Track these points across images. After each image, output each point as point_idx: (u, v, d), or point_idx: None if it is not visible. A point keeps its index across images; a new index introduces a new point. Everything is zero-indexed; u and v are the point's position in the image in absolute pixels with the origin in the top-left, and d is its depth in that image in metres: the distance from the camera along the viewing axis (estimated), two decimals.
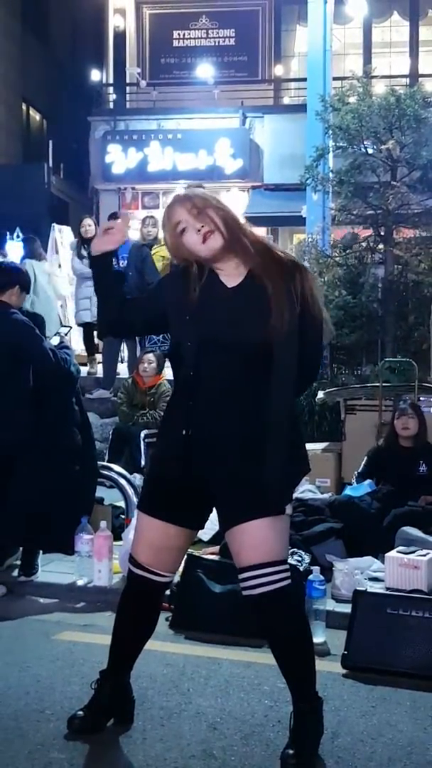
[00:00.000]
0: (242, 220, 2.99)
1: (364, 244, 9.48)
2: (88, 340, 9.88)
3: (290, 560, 3.87)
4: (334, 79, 11.79)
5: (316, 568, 4.19)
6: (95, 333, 9.49)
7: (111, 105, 18.06)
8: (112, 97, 18.20)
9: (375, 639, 3.80)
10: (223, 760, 2.96)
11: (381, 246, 9.32)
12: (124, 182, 16.78)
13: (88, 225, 9.68)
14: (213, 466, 2.87)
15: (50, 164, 17.48)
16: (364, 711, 3.39)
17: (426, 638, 3.75)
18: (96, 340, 9.76)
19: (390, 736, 3.17)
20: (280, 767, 2.87)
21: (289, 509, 2.92)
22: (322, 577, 4.10)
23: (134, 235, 9.31)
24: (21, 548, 4.96)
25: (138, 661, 3.17)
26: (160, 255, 8.80)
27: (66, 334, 5.31)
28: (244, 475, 2.84)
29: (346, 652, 3.80)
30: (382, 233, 9.28)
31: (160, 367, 7.72)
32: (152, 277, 8.45)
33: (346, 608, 4.06)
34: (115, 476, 5.36)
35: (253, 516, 2.83)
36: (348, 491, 5.83)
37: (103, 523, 4.74)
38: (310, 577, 4.11)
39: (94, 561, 4.71)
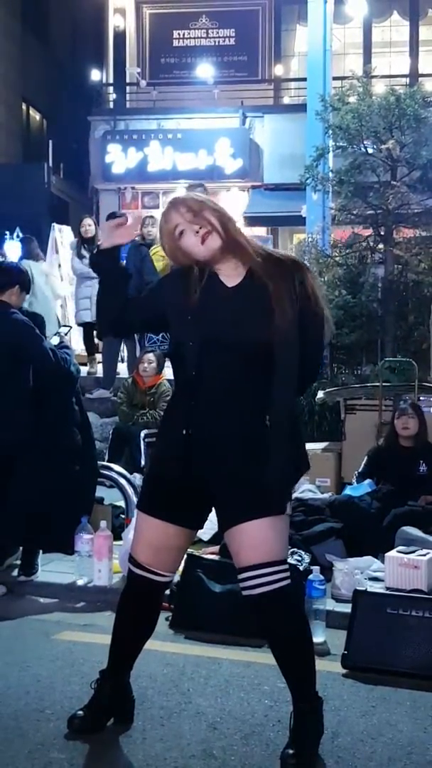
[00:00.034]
0: (238, 223, 2.98)
1: (364, 244, 9.48)
2: (88, 339, 9.87)
3: (290, 560, 3.87)
4: (334, 78, 11.79)
5: (316, 568, 4.18)
6: (95, 333, 9.49)
7: (111, 105, 18.07)
8: (112, 96, 18.21)
9: (375, 639, 3.79)
10: (223, 760, 2.96)
11: (381, 246, 9.32)
12: (124, 182, 16.79)
13: (88, 225, 9.68)
14: (213, 465, 2.87)
15: (50, 164, 17.49)
16: (364, 711, 3.39)
17: (426, 638, 3.75)
18: (96, 340, 9.76)
19: (390, 735, 3.17)
20: (280, 767, 2.87)
21: (288, 509, 2.92)
22: (322, 577, 4.10)
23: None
24: (21, 548, 4.96)
25: (138, 660, 3.17)
26: (160, 255, 8.79)
27: (66, 334, 5.31)
28: (244, 475, 2.84)
29: (346, 652, 3.80)
30: (382, 233, 9.28)
31: (160, 367, 7.72)
32: (151, 277, 8.45)
33: (346, 608, 4.06)
34: (115, 476, 5.36)
35: (252, 516, 2.83)
36: (348, 491, 5.83)
37: (103, 523, 4.74)
38: (310, 576, 4.11)
39: (94, 561, 4.71)
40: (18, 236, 11.30)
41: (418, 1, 17.26)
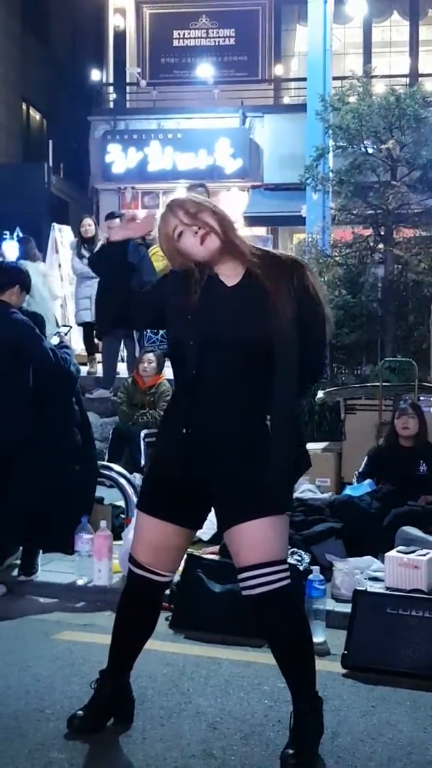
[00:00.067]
0: (238, 223, 2.98)
1: (363, 244, 9.48)
2: (88, 339, 9.87)
3: (290, 560, 3.86)
4: (334, 78, 11.79)
5: (315, 568, 4.18)
6: (95, 332, 9.49)
7: (111, 105, 18.07)
8: (112, 96, 18.21)
9: (375, 639, 3.79)
10: (223, 760, 2.96)
11: (381, 246, 9.31)
12: (124, 182, 16.79)
13: (88, 225, 9.67)
14: (213, 465, 2.87)
15: (50, 164, 17.49)
16: (364, 711, 3.39)
17: (426, 638, 3.75)
18: (96, 340, 9.76)
19: (390, 735, 3.17)
20: (280, 767, 2.87)
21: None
22: (321, 577, 4.10)
23: None
24: (21, 548, 4.96)
25: (138, 660, 3.18)
26: (160, 255, 8.78)
27: (66, 334, 5.31)
28: (243, 474, 2.84)
29: (346, 652, 3.80)
30: (382, 233, 9.27)
31: (160, 367, 7.72)
32: (149, 277, 8.43)
33: (346, 608, 4.06)
34: (115, 476, 5.36)
35: (252, 516, 2.83)
36: (348, 491, 5.83)
37: (103, 523, 4.74)
38: (310, 576, 4.10)
39: (94, 560, 4.71)
40: (18, 236, 11.30)
41: (418, 1, 17.27)
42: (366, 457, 6.02)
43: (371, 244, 9.40)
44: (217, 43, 18.22)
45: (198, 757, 2.97)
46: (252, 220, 14.83)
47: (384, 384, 7.19)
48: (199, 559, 4.48)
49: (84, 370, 8.49)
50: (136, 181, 16.80)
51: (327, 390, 7.66)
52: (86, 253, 9.44)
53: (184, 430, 2.87)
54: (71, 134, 19.04)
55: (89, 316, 9.35)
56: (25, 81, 18.39)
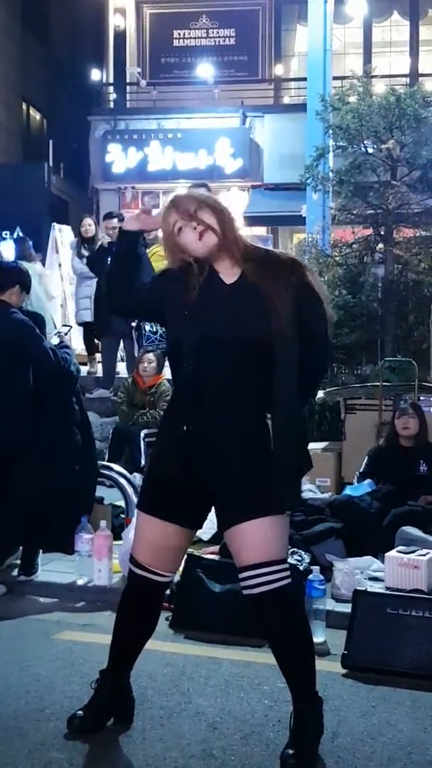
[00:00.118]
0: (239, 225, 2.98)
1: (363, 244, 9.48)
2: (88, 339, 9.87)
3: (290, 560, 3.86)
4: (334, 78, 11.80)
5: (315, 568, 4.18)
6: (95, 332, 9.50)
7: (111, 104, 18.07)
8: (112, 96, 18.21)
9: (375, 639, 3.79)
10: (223, 760, 2.96)
11: (381, 245, 9.31)
12: (124, 182, 16.79)
13: (88, 224, 9.67)
14: (213, 465, 2.87)
15: (50, 164, 17.47)
16: (364, 711, 3.39)
17: (426, 638, 3.75)
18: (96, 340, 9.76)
19: (390, 735, 3.17)
20: (280, 767, 2.87)
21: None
22: (321, 577, 4.10)
23: None
24: (21, 548, 4.96)
25: (138, 660, 3.17)
26: (159, 255, 8.79)
27: (66, 334, 5.31)
28: (243, 474, 2.85)
29: (346, 652, 3.80)
30: (382, 233, 9.28)
31: (160, 367, 7.72)
32: (148, 277, 8.43)
33: (346, 608, 4.06)
34: (115, 476, 5.35)
35: (252, 516, 2.83)
36: (348, 491, 5.83)
37: (103, 523, 4.73)
38: (310, 576, 4.10)
39: (94, 560, 4.71)
40: (18, 235, 11.30)
41: (418, 0, 17.26)
42: (366, 457, 6.02)
43: (371, 244, 9.40)
44: (217, 43, 18.21)
45: (198, 757, 2.97)
46: (252, 220, 14.79)
47: (384, 384, 7.19)
48: (199, 559, 4.48)
49: (84, 369, 8.49)
50: (136, 181, 16.79)
51: (327, 390, 7.66)
52: (86, 253, 9.45)
53: (184, 427, 2.87)
54: (71, 134, 19.03)
55: (89, 315, 9.35)
56: (25, 81, 18.39)
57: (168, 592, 3.80)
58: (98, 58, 19.51)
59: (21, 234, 11.24)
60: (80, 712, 3.13)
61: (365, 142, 9.19)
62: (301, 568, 4.33)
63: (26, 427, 4.71)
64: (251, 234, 10.32)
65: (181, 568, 4.10)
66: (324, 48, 11.06)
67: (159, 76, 18.23)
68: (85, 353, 9.89)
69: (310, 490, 5.92)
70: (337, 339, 8.48)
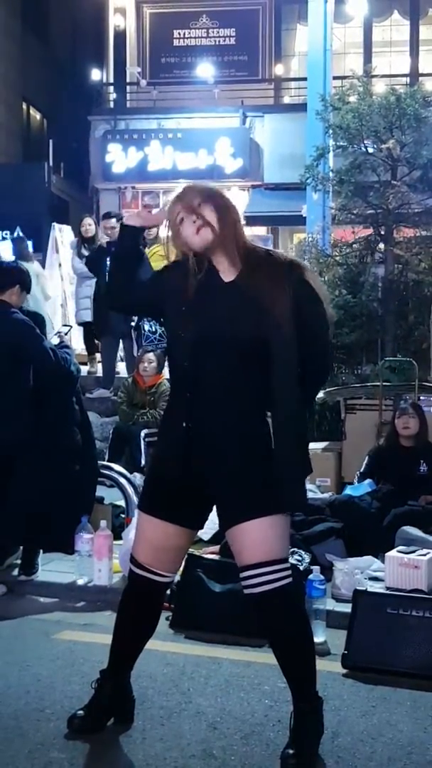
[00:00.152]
0: (242, 225, 2.98)
1: (364, 244, 9.48)
2: (88, 339, 9.87)
3: (290, 560, 3.86)
4: (335, 78, 11.80)
5: (316, 568, 4.18)
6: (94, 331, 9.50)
7: (111, 104, 18.06)
8: (113, 96, 18.20)
9: (375, 639, 3.79)
10: (223, 760, 2.96)
11: (381, 245, 9.31)
12: (124, 181, 16.78)
13: (89, 224, 9.67)
14: (213, 464, 2.87)
15: (50, 163, 17.46)
16: (364, 711, 3.39)
17: (426, 638, 3.75)
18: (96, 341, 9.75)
19: (390, 735, 3.17)
20: (280, 767, 2.87)
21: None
22: (322, 577, 4.10)
23: None
24: (21, 547, 4.96)
25: (138, 660, 3.18)
26: (160, 254, 8.77)
27: (66, 334, 5.30)
28: (243, 474, 2.85)
29: (346, 652, 3.80)
30: (383, 232, 9.27)
31: (160, 367, 7.72)
32: (148, 275, 8.43)
33: (347, 608, 4.06)
34: (116, 476, 5.36)
35: (252, 515, 2.83)
36: (348, 491, 5.83)
37: (103, 523, 4.74)
38: (310, 576, 4.10)
39: (94, 560, 4.71)
40: (18, 235, 11.29)
41: (419, 0, 17.26)
42: (367, 457, 6.02)
43: (371, 243, 9.40)
44: (217, 43, 18.21)
45: (198, 757, 2.97)
46: (252, 220, 14.79)
47: (384, 384, 7.20)
48: (199, 559, 4.48)
49: (84, 369, 8.49)
50: (136, 181, 16.79)
51: (327, 390, 7.66)
52: (86, 253, 9.44)
53: (184, 423, 2.87)
54: (71, 134, 19.02)
55: (89, 315, 9.35)
56: (25, 80, 18.39)
57: (168, 591, 3.80)
58: (98, 58, 19.51)
59: (21, 234, 11.22)
60: (80, 712, 3.14)
61: (365, 141, 9.19)
62: (301, 567, 4.33)
63: (26, 427, 4.71)
64: (251, 234, 10.32)
65: (181, 568, 4.10)
66: (324, 48, 11.05)
67: (159, 75, 18.23)
68: (85, 353, 9.89)
69: (310, 490, 5.91)
70: (337, 339, 8.48)
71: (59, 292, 11.73)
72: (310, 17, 11.31)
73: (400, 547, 4.59)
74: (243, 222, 2.99)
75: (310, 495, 5.70)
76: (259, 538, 2.84)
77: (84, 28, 21.10)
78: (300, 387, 2.88)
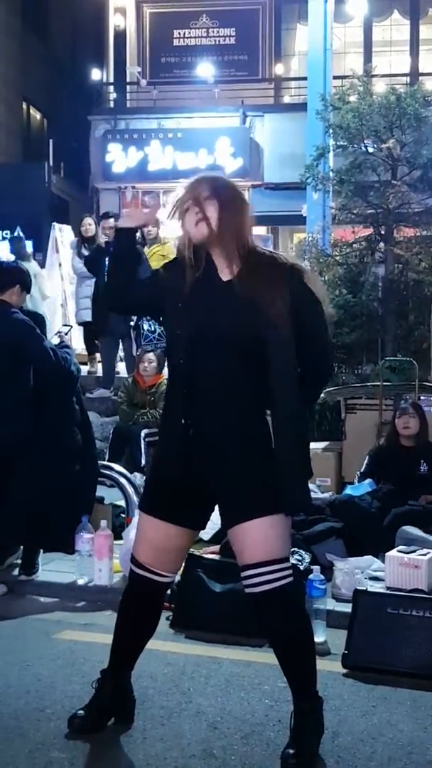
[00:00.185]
0: (248, 226, 2.99)
1: (364, 243, 9.48)
2: (88, 339, 9.87)
3: (291, 559, 3.87)
4: (335, 77, 11.79)
5: (316, 568, 4.18)
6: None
7: (111, 104, 18.05)
8: (113, 96, 18.18)
9: (375, 638, 3.80)
10: (223, 760, 2.96)
11: (381, 245, 9.31)
12: (124, 181, 16.75)
13: (89, 224, 9.67)
14: (213, 464, 2.87)
15: (50, 163, 17.47)
16: (364, 710, 3.39)
17: (426, 638, 3.75)
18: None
19: (390, 735, 3.17)
20: (281, 767, 2.87)
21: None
22: (322, 577, 4.10)
23: None
24: (21, 547, 4.96)
25: (139, 660, 3.18)
26: (160, 254, 8.78)
27: (66, 333, 5.31)
28: (243, 474, 2.85)
29: (346, 652, 3.80)
30: (383, 232, 9.27)
31: (160, 367, 7.73)
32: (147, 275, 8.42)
33: (347, 608, 4.06)
34: (116, 475, 5.36)
35: (252, 515, 2.84)
36: (348, 490, 5.83)
37: (103, 522, 4.74)
38: (311, 576, 4.11)
39: (95, 560, 4.71)
40: (18, 234, 11.29)
41: (419, 0, 17.25)
42: (367, 457, 6.02)
43: (372, 243, 9.39)
44: (217, 43, 18.19)
45: (198, 757, 2.98)
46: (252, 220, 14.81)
47: (384, 383, 7.20)
48: (199, 559, 4.48)
49: (84, 369, 8.49)
50: (136, 181, 16.75)
51: (327, 390, 7.66)
52: (86, 253, 9.45)
53: (182, 421, 2.87)
54: (71, 133, 19.02)
55: (89, 315, 9.35)
56: (25, 80, 18.39)
57: (169, 591, 3.81)
58: (98, 58, 19.50)
59: (20, 233, 11.23)
60: (81, 712, 3.14)
61: (365, 141, 9.18)
62: (301, 567, 4.33)
63: (26, 427, 4.71)
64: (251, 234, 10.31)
65: (181, 568, 4.10)
66: (324, 47, 11.05)
67: (159, 75, 18.22)
68: (86, 353, 9.89)
69: (310, 489, 5.91)
70: (337, 339, 8.48)
71: (59, 292, 11.74)
72: (310, 17, 11.30)
73: (401, 547, 4.59)
74: (252, 223, 3.00)
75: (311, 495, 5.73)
76: (259, 537, 2.84)
77: (84, 28, 21.10)
78: (300, 387, 2.88)
